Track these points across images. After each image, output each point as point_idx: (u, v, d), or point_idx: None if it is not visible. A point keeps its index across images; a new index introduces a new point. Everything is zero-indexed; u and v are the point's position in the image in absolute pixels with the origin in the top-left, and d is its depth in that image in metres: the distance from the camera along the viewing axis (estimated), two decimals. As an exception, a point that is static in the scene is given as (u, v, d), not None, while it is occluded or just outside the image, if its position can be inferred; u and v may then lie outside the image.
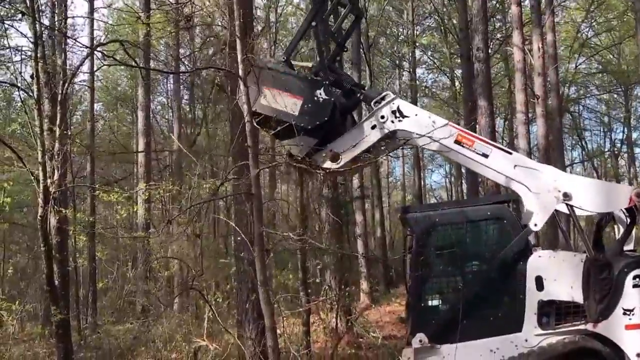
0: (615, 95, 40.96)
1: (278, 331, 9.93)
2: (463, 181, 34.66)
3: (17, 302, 14.65)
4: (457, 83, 36.11)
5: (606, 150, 44.25)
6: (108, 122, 36.78)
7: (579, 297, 9.00)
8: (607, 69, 37.52)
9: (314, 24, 9.55)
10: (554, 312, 9.12)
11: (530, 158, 23.63)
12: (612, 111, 42.76)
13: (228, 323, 13.82)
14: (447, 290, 9.67)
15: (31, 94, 16.22)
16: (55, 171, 14.95)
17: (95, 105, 34.61)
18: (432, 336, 9.15)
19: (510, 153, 9.69)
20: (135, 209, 20.85)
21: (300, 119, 9.24)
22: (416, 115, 9.61)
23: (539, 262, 9.19)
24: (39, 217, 14.96)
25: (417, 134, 9.54)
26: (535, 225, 9.18)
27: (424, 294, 9.60)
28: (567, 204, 9.16)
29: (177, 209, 11.66)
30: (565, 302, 9.10)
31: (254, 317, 12.20)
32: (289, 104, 9.23)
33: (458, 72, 34.22)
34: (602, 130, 45.25)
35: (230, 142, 12.82)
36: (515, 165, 9.33)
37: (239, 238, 12.39)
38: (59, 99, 15.25)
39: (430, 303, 9.66)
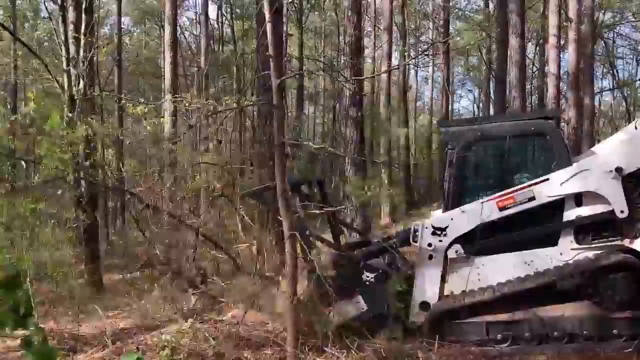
0: (652, 23, 40.00)
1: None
2: (491, 106, 34.36)
3: (42, 204, 14.85)
4: (490, 5, 35.39)
5: (637, 79, 43.48)
6: (137, 36, 36.70)
7: (616, 214, 9.01)
8: (645, -6, 36.43)
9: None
10: (590, 228, 9.17)
11: (559, 85, 23.42)
12: (646, 39, 41.82)
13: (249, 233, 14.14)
14: None
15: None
16: (81, 79, 15.05)
17: (123, 18, 34.62)
18: (468, 248, 9.29)
19: (548, 178, 9.30)
20: (162, 121, 20.96)
21: (373, 308, 9.28)
22: (452, 219, 9.40)
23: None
24: (64, 126, 15.16)
25: (466, 232, 9.35)
26: (622, 212, 8.93)
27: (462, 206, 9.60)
28: (622, 176, 9.00)
29: (202, 117, 11.74)
30: (602, 218, 9.12)
31: (275, 225, 12.43)
32: (354, 305, 9.23)
33: (492, -7, 33.55)
34: (634, 58, 44.45)
35: (257, 53, 12.76)
36: (562, 183, 9.13)
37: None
38: (84, 6, 15.18)
39: None
